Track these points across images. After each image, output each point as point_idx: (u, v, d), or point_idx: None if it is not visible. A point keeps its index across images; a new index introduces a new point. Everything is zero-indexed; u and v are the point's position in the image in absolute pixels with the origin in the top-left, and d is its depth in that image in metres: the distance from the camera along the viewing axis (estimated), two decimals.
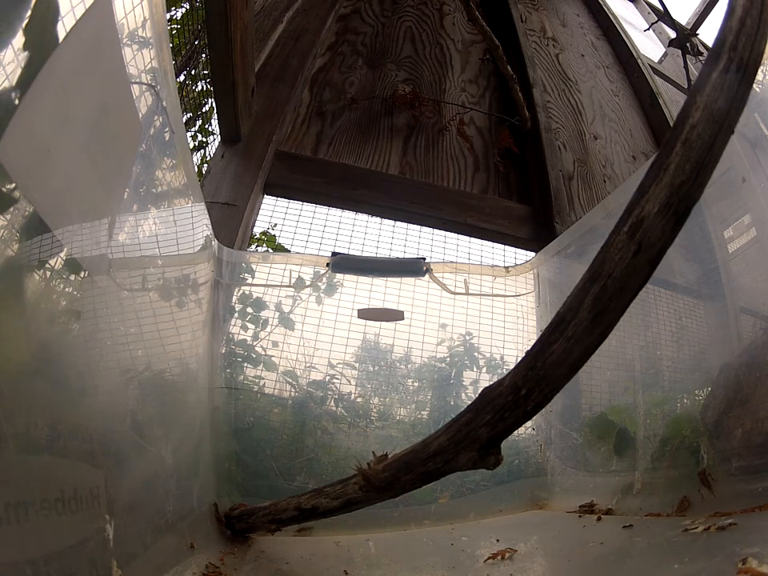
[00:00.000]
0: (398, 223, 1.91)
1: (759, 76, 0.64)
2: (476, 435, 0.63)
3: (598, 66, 2.86)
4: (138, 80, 0.71)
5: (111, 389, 0.65)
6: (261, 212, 1.82)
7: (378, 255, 1.80)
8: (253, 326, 1.29)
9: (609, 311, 0.57)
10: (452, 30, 2.62)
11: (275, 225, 1.81)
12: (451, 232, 1.93)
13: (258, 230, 1.81)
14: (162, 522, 0.69)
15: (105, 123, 0.61)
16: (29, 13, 0.46)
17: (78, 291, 0.57)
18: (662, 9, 2.48)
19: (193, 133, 1.88)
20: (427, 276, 1.38)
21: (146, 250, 0.77)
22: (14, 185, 0.44)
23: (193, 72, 1.81)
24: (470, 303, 1.38)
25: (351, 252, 1.73)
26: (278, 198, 1.86)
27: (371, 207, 1.90)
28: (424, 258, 1.41)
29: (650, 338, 1.05)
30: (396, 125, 2.17)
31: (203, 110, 1.90)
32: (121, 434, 0.63)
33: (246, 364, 1.26)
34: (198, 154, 1.90)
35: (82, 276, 0.57)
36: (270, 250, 1.79)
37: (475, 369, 1.36)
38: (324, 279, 1.35)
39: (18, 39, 0.45)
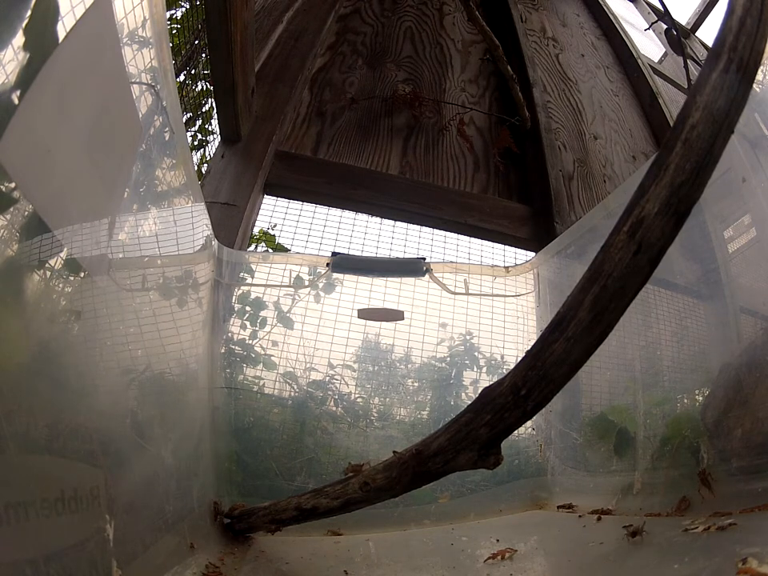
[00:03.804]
0: (398, 223, 1.91)
1: (759, 76, 0.64)
2: (476, 435, 0.63)
3: (598, 66, 2.87)
4: (137, 80, 0.71)
5: (111, 389, 0.65)
6: (261, 212, 1.82)
7: (377, 255, 1.80)
8: (253, 326, 1.29)
9: (609, 311, 0.57)
10: (452, 30, 2.62)
11: (275, 225, 1.81)
12: (451, 232, 1.93)
13: (257, 230, 1.81)
14: (162, 522, 0.69)
15: (105, 123, 0.61)
16: (29, 13, 0.46)
17: (78, 291, 0.57)
18: (662, 9, 2.49)
19: (193, 133, 1.88)
20: (427, 276, 1.38)
21: (146, 249, 0.77)
22: (13, 185, 0.44)
23: (193, 72, 1.81)
24: (470, 303, 1.38)
25: (351, 252, 1.73)
26: (278, 198, 1.86)
27: (371, 207, 1.90)
28: (424, 258, 1.41)
29: (650, 338, 1.05)
30: (396, 125, 2.17)
31: (203, 110, 1.90)
32: (121, 434, 0.63)
33: (245, 364, 1.26)
34: (198, 153, 1.90)
35: (81, 276, 0.57)
36: (270, 250, 1.79)
37: (475, 369, 1.36)
38: (324, 279, 1.35)
39: (18, 39, 0.45)
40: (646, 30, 2.98)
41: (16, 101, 0.44)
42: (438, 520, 1.11)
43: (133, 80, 0.69)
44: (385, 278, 1.36)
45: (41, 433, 0.46)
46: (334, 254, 1.39)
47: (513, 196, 2.11)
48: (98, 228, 0.60)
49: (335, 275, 1.35)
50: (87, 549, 0.48)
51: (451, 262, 1.54)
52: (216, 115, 1.75)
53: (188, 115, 1.83)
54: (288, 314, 1.32)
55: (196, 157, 1.88)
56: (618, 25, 3.11)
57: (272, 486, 1.12)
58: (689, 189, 0.55)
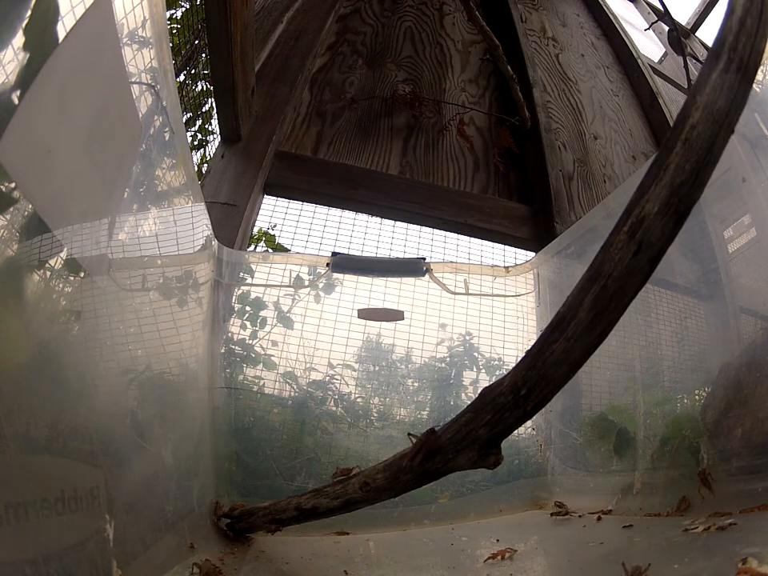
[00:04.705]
0: (398, 223, 1.91)
1: (759, 76, 0.64)
2: (476, 435, 0.63)
3: (598, 66, 2.86)
4: (137, 80, 0.71)
5: (111, 389, 0.65)
6: (261, 212, 1.82)
7: (377, 255, 1.80)
8: (253, 326, 1.29)
9: (609, 311, 0.56)
10: (452, 30, 2.62)
11: (275, 225, 1.81)
12: (451, 232, 1.93)
13: (257, 230, 1.81)
14: (162, 521, 0.69)
15: (105, 123, 0.61)
16: (29, 13, 0.46)
17: (78, 291, 0.57)
18: (662, 9, 2.49)
19: (193, 133, 1.88)
20: (427, 276, 1.38)
21: (146, 249, 0.77)
22: (13, 185, 0.44)
23: (193, 72, 1.81)
24: (470, 303, 1.38)
25: (351, 252, 1.73)
26: (278, 198, 1.86)
27: (371, 207, 1.90)
28: (424, 258, 1.41)
29: (650, 338, 1.05)
30: (396, 125, 2.17)
31: (203, 110, 1.90)
32: (121, 434, 0.63)
33: (245, 364, 1.26)
34: (198, 153, 1.90)
35: (81, 276, 0.57)
36: (270, 250, 1.79)
37: (475, 369, 1.36)
38: (324, 279, 1.35)
39: (18, 39, 0.45)
40: (646, 30, 2.98)
41: (16, 101, 0.44)
42: (438, 520, 1.11)
43: (133, 80, 0.69)
44: (385, 278, 1.36)
45: (41, 433, 0.46)
46: (334, 254, 1.39)
47: (513, 196, 2.11)
48: (98, 228, 0.60)
49: (335, 275, 1.35)
50: (87, 549, 0.48)
51: (451, 262, 1.54)
52: (216, 115, 1.75)
53: (188, 115, 1.83)
54: (288, 314, 1.32)
55: (196, 157, 1.88)
56: (618, 25, 3.11)
57: (272, 486, 1.12)
58: (689, 189, 0.55)
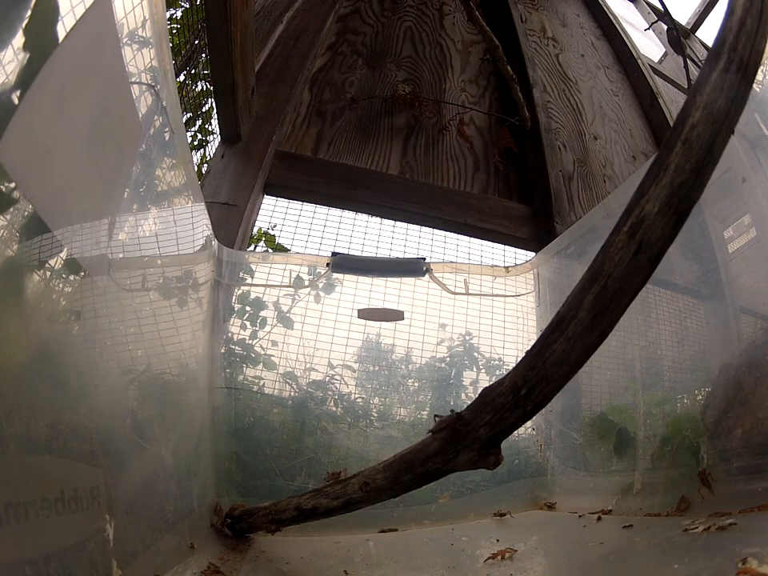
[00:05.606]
0: (398, 223, 1.91)
1: (759, 76, 0.64)
2: (476, 435, 0.63)
3: (598, 66, 2.86)
4: (137, 80, 0.71)
5: (111, 389, 0.65)
6: (261, 212, 1.82)
7: (377, 255, 1.80)
8: (253, 326, 1.29)
9: (609, 311, 0.56)
10: (452, 30, 2.62)
11: (275, 225, 1.81)
12: (451, 232, 1.93)
13: (257, 230, 1.81)
14: (162, 521, 0.69)
15: (105, 123, 0.61)
16: (29, 13, 0.46)
17: (78, 291, 0.57)
18: (662, 9, 2.49)
19: (193, 133, 1.88)
20: (427, 276, 1.38)
21: (145, 249, 0.77)
22: (13, 185, 0.44)
23: (193, 72, 1.81)
24: (469, 303, 1.38)
25: (351, 252, 1.73)
26: (278, 198, 1.86)
27: (371, 207, 1.90)
28: (424, 258, 1.41)
29: (650, 338, 1.05)
30: (396, 125, 2.17)
31: (203, 110, 1.90)
32: (121, 434, 0.63)
33: (245, 364, 1.26)
34: (198, 153, 1.90)
35: (81, 276, 0.57)
36: (270, 250, 1.79)
37: (475, 369, 1.36)
38: (324, 279, 1.35)
39: (18, 39, 0.45)
40: (646, 30, 2.98)
41: (16, 101, 0.44)
42: (438, 520, 1.11)
43: (133, 80, 0.69)
44: (385, 278, 1.36)
45: (41, 433, 0.46)
46: (334, 254, 1.39)
47: (513, 196, 2.11)
48: (98, 228, 0.60)
49: (335, 275, 1.35)
50: (87, 549, 0.48)
51: (451, 262, 1.54)
52: (216, 115, 1.75)
53: (188, 115, 1.83)
54: (288, 314, 1.32)
55: (196, 157, 1.88)
56: (618, 25, 3.11)
57: (272, 486, 1.12)
58: (689, 189, 0.55)
